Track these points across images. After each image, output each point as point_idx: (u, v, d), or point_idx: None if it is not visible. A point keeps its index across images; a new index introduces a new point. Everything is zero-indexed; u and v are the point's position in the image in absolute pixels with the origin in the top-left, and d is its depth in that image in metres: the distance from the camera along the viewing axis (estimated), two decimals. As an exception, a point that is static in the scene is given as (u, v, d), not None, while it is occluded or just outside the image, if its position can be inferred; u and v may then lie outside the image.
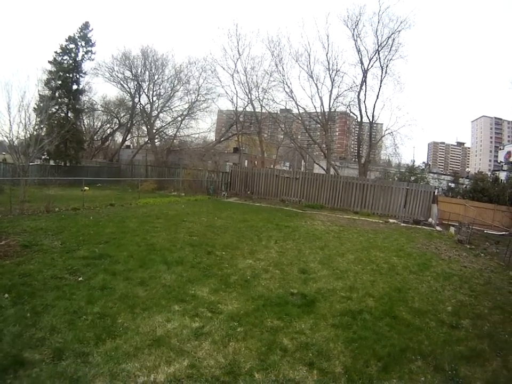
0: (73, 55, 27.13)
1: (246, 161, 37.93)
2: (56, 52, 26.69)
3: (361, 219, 17.57)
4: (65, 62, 26.91)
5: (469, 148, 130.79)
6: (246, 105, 31.94)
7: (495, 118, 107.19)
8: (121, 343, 3.84)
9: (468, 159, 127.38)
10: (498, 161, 45.85)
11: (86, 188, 17.14)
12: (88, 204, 13.84)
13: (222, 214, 14.37)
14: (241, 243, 9.31)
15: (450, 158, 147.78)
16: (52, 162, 26.01)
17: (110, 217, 11.55)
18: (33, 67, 46.71)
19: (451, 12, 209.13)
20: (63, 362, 3.42)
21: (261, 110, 31.85)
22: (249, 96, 30.80)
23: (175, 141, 32.39)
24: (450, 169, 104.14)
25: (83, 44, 27.64)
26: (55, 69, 26.31)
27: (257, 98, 30.84)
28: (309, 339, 4.40)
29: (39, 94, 21.27)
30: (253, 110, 31.98)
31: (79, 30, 27.50)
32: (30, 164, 16.66)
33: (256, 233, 10.80)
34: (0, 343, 3.65)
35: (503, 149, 44.58)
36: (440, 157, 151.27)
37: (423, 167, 39.96)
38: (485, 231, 17.33)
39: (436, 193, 21.22)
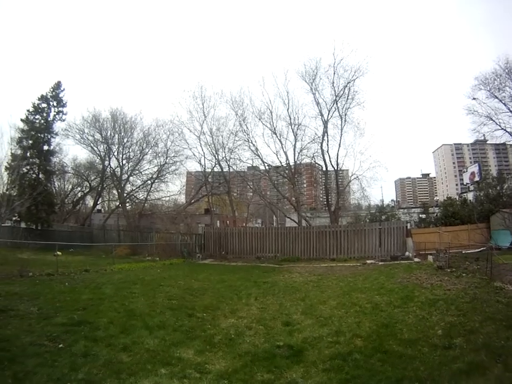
0: (45, 114, 27.69)
1: (218, 221, 38.24)
2: (28, 111, 27.16)
3: (339, 265, 17.82)
4: (37, 121, 27.39)
5: (434, 178, 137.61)
6: (213, 165, 32.96)
7: (455, 144, 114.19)
8: (112, 411, 3.71)
9: (435, 188, 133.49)
10: (465, 184, 48.41)
11: (58, 252, 17.16)
12: (62, 269, 13.75)
13: (198, 276, 14.34)
14: (221, 303, 9.24)
15: (419, 191, 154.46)
16: (23, 225, 25.62)
17: (85, 283, 11.40)
18: (6, 124, 45.52)
19: (405, 50, 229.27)
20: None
21: (229, 169, 32.89)
22: (217, 157, 31.92)
23: (146, 204, 32.74)
24: (420, 201, 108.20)
25: (55, 104, 28.28)
26: (27, 128, 26.51)
27: (224, 158, 31.99)
28: (303, 387, 4.35)
29: (12, 153, 21.39)
30: (220, 170, 32.92)
31: (51, 90, 28.21)
32: (2, 225, 16.22)
33: (235, 292, 10.76)
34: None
35: (466, 171, 47.32)
36: (408, 191, 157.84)
37: (393, 204, 41.48)
38: (463, 252, 17.92)
39: (408, 227, 22.06)
